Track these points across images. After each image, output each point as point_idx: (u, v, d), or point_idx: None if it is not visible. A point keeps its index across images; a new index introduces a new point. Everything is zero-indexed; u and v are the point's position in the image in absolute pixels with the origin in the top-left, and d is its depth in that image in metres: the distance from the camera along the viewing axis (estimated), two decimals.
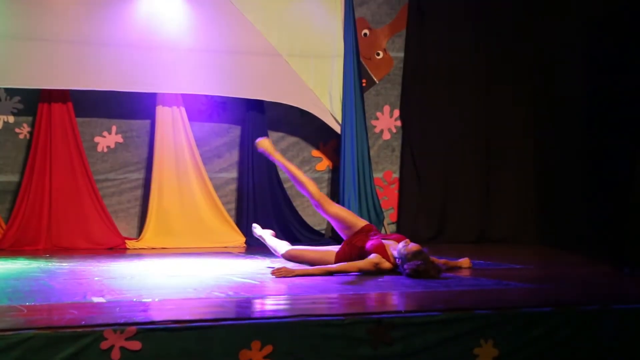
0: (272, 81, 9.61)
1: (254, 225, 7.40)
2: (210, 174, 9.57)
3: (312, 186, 6.74)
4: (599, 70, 9.30)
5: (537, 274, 6.74)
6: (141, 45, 9.12)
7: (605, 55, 9.20)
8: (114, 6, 9.04)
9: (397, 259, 6.03)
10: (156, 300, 4.71)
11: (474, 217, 10.23)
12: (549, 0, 9.92)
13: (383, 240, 6.29)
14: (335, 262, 6.39)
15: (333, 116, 9.80)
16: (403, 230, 9.79)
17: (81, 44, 8.91)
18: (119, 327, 3.76)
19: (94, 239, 8.97)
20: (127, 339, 3.74)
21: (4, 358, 3.58)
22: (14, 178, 9.06)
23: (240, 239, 9.43)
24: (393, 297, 5.14)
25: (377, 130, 10.29)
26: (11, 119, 9.06)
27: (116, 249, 8.91)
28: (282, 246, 7.01)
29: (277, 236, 9.51)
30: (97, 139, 9.37)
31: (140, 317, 3.96)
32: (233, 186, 9.81)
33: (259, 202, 9.56)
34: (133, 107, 9.45)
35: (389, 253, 6.15)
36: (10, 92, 9.02)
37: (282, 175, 9.81)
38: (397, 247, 6.07)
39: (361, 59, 10.02)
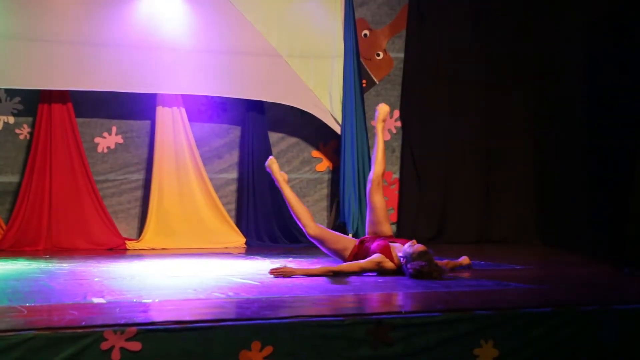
0: (272, 82, 9.61)
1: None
2: (210, 174, 9.57)
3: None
4: (599, 71, 9.30)
5: (537, 274, 6.74)
6: (141, 46, 9.12)
7: (605, 56, 9.21)
8: (114, 7, 9.04)
9: (401, 259, 6.03)
10: (156, 301, 4.71)
11: (474, 218, 10.23)
12: (549, 0, 9.92)
13: (390, 242, 6.30)
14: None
15: (333, 117, 9.80)
16: (403, 230, 9.80)
17: (81, 45, 8.91)
18: (119, 327, 3.76)
19: (94, 240, 8.96)
20: (127, 340, 3.74)
21: (4, 359, 3.58)
22: (14, 179, 9.06)
23: (240, 240, 9.43)
24: (393, 297, 5.15)
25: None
26: (11, 119, 9.06)
27: (116, 250, 8.91)
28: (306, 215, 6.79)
29: (276, 236, 9.59)
30: (97, 139, 9.37)
31: (140, 318, 3.97)
32: (233, 187, 9.81)
33: (259, 203, 9.56)
34: (133, 108, 9.45)
35: (394, 254, 6.15)
36: (11, 92, 9.02)
37: None
38: (403, 248, 6.07)
39: (361, 60, 10.02)
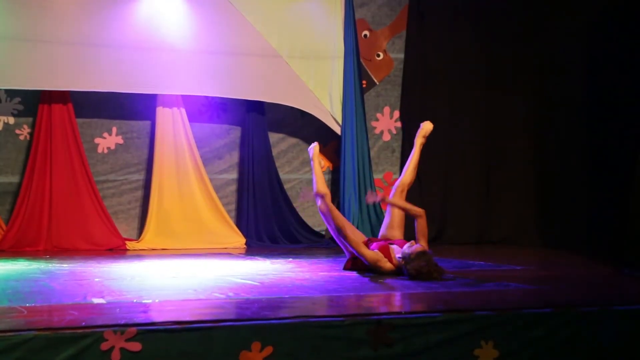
0: (273, 82, 9.61)
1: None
2: (210, 175, 9.57)
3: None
4: (599, 71, 9.30)
5: (537, 274, 6.74)
6: (141, 47, 9.12)
7: (606, 56, 9.21)
8: (115, 7, 9.04)
9: (400, 260, 6.03)
10: (156, 301, 4.71)
11: (474, 218, 10.22)
12: (549, 0, 9.92)
13: (389, 244, 6.32)
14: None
15: (333, 117, 9.81)
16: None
17: (81, 46, 8.91)
18: (119, 328, 3.76)
19: (94, 240, 8.96)
20: (127, 340, 3.74)
21: (4, 359, 3.58)
22: (14, 179, 9.06)
23: (240, 240, 9.43)
24: (393, 298, 5.15)
25: (377, 131, 10.29)
26: (11, 120, 9.06)
27: (116, 250, 8.91)
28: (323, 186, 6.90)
29: (276, 237, 9.59)
30: (97, 140, 9.37)
31: (140, 318, 3.97)
32: (233, 187, 9.81)
33: (259, 203, 9.56)
34: (133, 108, 9.45)
35: (392, 255, 6.16)
36: (11, 93, 9.02)
37: (282, 176, 9.81)
38: (402, 249, 6.07)
39: (361, 60, 10.02)
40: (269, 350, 3.93)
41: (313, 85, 9.75)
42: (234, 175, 9.80)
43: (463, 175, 10.28)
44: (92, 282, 5.76)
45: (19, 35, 8.73)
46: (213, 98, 9.68)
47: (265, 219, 9.57)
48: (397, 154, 10.34)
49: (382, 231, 6.66)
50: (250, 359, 3.90)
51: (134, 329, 3.77)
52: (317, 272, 6.55)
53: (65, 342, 3.67)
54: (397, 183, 6.84)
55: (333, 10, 9.83)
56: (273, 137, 9.87)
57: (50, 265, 7.10)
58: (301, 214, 9.81)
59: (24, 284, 5.64)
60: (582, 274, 6.72)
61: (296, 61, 9.68)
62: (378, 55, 10.31)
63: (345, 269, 6.52)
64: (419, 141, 7.02)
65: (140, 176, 9.51)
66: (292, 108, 9.80)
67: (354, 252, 6.30)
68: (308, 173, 9.99)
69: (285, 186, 9.83)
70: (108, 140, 9.40)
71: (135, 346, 3.75)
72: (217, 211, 9.46)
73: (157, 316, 4.17)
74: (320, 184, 6.86)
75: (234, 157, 9.80)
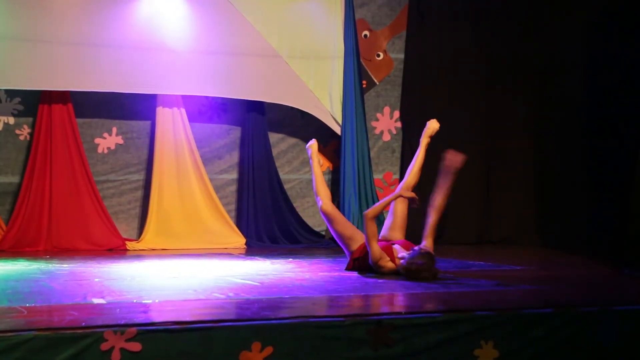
0: (273, 82, 9.61)
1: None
2: (210, 175, 9.57)
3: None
4: (599, 71, 9.30)
5: (537, 275, 6.74)
6: (142, 47, 9.12)
7: (606, 55, 9.21)
8: (115, 8, 9.04)
9: (402, 261, 6.01)
10: (156, 301, 4.71)
11: (474, 218, 10.22)
12: (549, 0, 9.92)
13: (392, 244, 6.32)
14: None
15: (333, 117, 9.81)
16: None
17: (81, 46, 8.92)
18: (119, 328, 3.76)
19: (94, 240, 8.96)
20: (127, 340, 3.74)
21: (4, 359, 3.58)
22: (15, 179, 9.06)
23: (240, 240, 9.43)
24: (393, 298, 5.15)
25: (377, 131, 10.29)
26: (11, 120, 9.06)
27: (116, 250, 8.91)
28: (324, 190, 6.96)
29: (276, 237, 9.59)
30: (97, 140, 9.37)
31: (140, 319, 3.97)
32: (233, 187, 9.81)
33: (259, 204, 9.57)
34: (133, 109, 9.45)
35: (395, 254, 6.15)
36: (11, 93, 9.02)
37: (282, 176, 9.81)
38: (412, 249, 6.08)
39: (361, 60, 10.02)
40: (269, 350, 3.93)
41: (313, 86, 9.75)
42: (234, 175, 9.80)
43: (463, 175, 10.23)
44: (92, 282, 5.76)
45: (19, 35, 8.73)
46: (213, 98, 9.68)
47: (265, 219, 9.57)
48: (397, 154, 10.35)
49: (383, 232, 6.66)
50: (250, 359, 3.90)
51: (134, 329, 3.77)
52: (317, 272, 6.55)
53: (65, 342, 3.67)
54: (401, 184, 6.82)
55: (333, 10, 9.83)
56: (273, 137, 9.87)
57: (50, 265, 7.10)
58: (301, 214, 9.81)
59: (23, 284, 5.64)
60: (582, 274, 6.72)
61: (296, 61, 9.68)
62: (378, 55, 10.31)
63: (347, 269, 6.52)
64: (424, 141, 7.00)
65: (140, 176, 9.51)
66: (292, 108, 9.81)
67: (366, 243, 6.24)
68: (308, 173, 9.98)
69: (285, 186, 9.83)
70: (108, 140, 9.40)
71: (135, 346, 3.75)
72: (217, 211, 9.46)
73: (157, 316, 4.17)
74: (321, 185, 6.87)
75: (234, 157, 9.80)
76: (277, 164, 9.82)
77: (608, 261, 7.36)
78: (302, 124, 10.00)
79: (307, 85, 9.71)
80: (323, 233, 9.78)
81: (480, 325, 4.27)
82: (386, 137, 10.33)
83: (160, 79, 9.20)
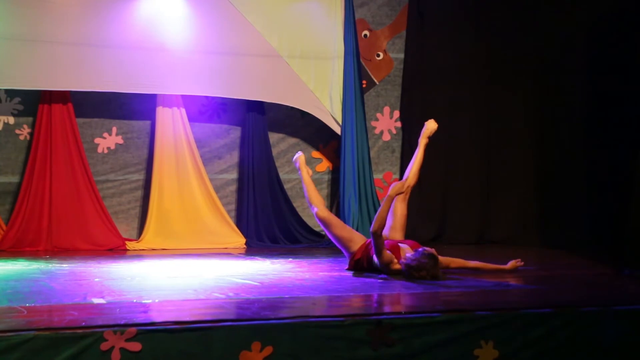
0: (273, 82, 9.61)
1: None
2: (210, 175, 9.57)
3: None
4: (600, 71, 9.30)
5: (538, 275, 6.74)
6: (142, 47, 9.12)
7: (606, 56, 9.21)
8: (115, 8, 9.03)
9: (406, 259, 6.02)
10: (156, 301, 4.71)
11: (474, 218, 10.21)
12: (549, 0, 9.92)
13: (399, 243, 6.33)
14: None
15: (333, 117, 9.80)
16: None
17: (82, 46, 8.91)
18: (119, 328, 3.76)
19: (94, 240, 8.96)
20: (127, 340, 3.74)
21: (4, 359, 3.58)
22: (14, 179, 9.06)
23: (240, 240, 9.42)
24: (393, 298, 5.15)
25: (377, 131, 10.29)
26: (11, 120, 9.06)
27: (116, 250, 8.90)
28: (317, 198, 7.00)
29: (276, 237, 9.58)
30: (97, 140, 9.37)
31: (140, 318, 3.97)
32: (233, 187, 9.81)
33: (259, 204, 9.56)
34: (133, 108, 9.44)
35: (403, 254, 6.15)
36: (11, 93, 9.01)
37: (282, 176, 9.81)
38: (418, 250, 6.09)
39: (361, 60, 10.01)
40: (268, 350, 3.93)
41: (313, 86, 9.74)
42: (234, 175, 9.80)
43: (463, 175, 10.28)
44: (92, 282, 5.76)
45: (19, 35, 8.73)
46: (213, 98, 9.68)
47: (265, 219, 9.57)
48: (397, 154, 10.34)
49: (385, 232, 6.65)
50: (250, 358, 3.90)
51: (133, 329, 3.77)
52: (317, 272, 6.55)
53: (65, 342, 3.67)
54: (393, 184, 6.79)
55: (333, 10, 9.83)
56: (273, 137, 9.87)
57: (50, 265, 7.10)
58: (301, 214, 9.81)
59: (23, 284, 5.64)
60: (582, 274, 6.72)
61: (296, 61, 9.68)
62: (378, 55, 10.31)
63: (349, 269, 6.51)
64: (423, 141, 7.01)
65: (140, 176, 9.51)
66: (292, 108, 9.80)
67: (373, 255, 6.24)
68: None
69: (285, 186, 9.82)
70: (108, 140, 9.40)
71: (135, 346, 3.75)
72: (217, 211, 9.45)
73: (157, 316, 4.17)
74: (313, 193, 6.92)
75: (234, 157, 9.80)
76: (277, 163, 9.82)
77: (608, 261, 7.36)
78: (302, 124, 10.00)
79: (307, 85, 9.71)
80: (323, 233, 9.77)
81: (480, 325, 4.27)
82: (386, 137, 10.33)
83: (160, 79, 9.19)
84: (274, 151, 9.82)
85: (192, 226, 9.31)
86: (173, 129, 9.39)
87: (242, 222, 9.55)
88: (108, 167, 9.38)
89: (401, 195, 6.73)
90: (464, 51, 10.25)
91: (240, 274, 6.29)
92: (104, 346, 3.71)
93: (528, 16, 10.10)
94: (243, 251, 8.99)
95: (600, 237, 8.90)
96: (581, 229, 9.32)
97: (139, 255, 8.43)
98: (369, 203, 9.67)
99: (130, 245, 9.08)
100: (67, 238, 8.88)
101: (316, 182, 10.06)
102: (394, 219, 6.69)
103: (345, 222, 9.51)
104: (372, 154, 10.02)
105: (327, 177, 10.13)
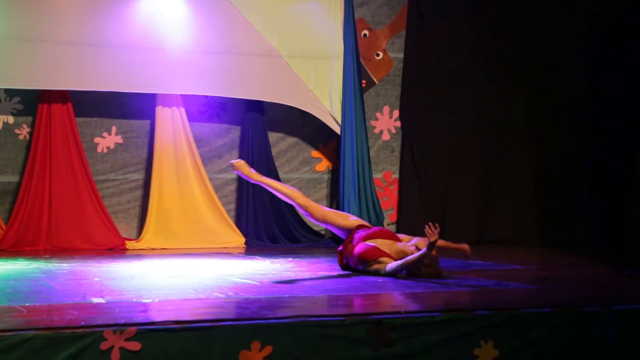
0: (272, 82, 9.61)
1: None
2: (210, 174, 9.57)
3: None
4: (599, 71, 9.30)
5: (537, 274, 6.74)
6: (141, 46, 9.12)
7: (606, 56, 9.20)
8: (114, 7, 9.03)
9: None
10: (156, 300, 4.71)
11: (474, 218, 10.22)
12: (549, 1, 9.92)
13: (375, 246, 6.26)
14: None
15: (333, 117, 9.80)
16: (403, 230, 9.76)
17: (81, 45, 8.91)
18: (119, 327, 3.76)
19: (93, 240, 8.96)
20: (126, 340, 3.74)
21: (4, 359, 3.58)
22: (14, 179, 9.06)
23: (240, 240, 9.42)
24: (393, 297, 5.14)
25: (376, 130, 10.29)
26: (11, 119, 9.05)
27: (116, 250, 8.90)
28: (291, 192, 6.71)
29: (276, 236, 9.58)
30: (97, 139, 9.37)
31: (140, 318, 3.97)
32: (233, 187, 9.81)
33: (259, 203, 9.56)
34: (133, 108, 9.44)
35: (394, 250, 6.14)
36: (10, 92, 9.01)
37: (282, 175, 9.81)
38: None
39: (361, 60, 10.01)
40: (268, 349, 3.93)
41: (313, 85, 9.74)
42: (233, 174, 9.79)
43: (463, 175, 10.28)
44: (92, 282, 5.76)
45: (19, 34, 8.73)
46: (213, 98, 9.67)
47: (265, 219, 9.57)
48: (397, 154, 10.34)
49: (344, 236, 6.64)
50: (250, 358, 3.90)
51: (133, 328, 3.77)
52: (317, 272, 6.54)
53: (65, 341, 3.67)
54: (301, 212, 6.67)
55: (333, 10, 9.83)
56: (272, 136, 9.87)
57: (49, 264, 7.10)
58: (300, 214, 9.80)
59: (23, 284, 5.64)
60: (582, 274, 6.71)
61: (296, 61, 9.68)
62: (378, 55, 10.31)
63: (341, 266, 6.48)
64: (253, 177, 6.56)
65: (140, 176, 9.51)
66: (291, 107, 9.80)
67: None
68: (308, 172, 9.99)
69: None
70: (107, 139, 9.39)
71: (135, 346, 3.75)
72: (216, 211, 9.45)
73: (157, 316, 4.17)
74: (284, 190, 6.64)
75: (234, 156, 9.79)
76: (277, 163, 9.82)
77: (608, 261, 7.36)
78: (301, 124, 10.00)
79: (306, 85, 9.71)
80: (323, 232, 9.78)
81: (480, 324, 4.27)
82: (386, 137, 10.33)
83: (160, 79, 9.19)
84: (274, 151, 9.82)
85: (192, 226, 9.31)
86: (173, 129, 9.39)
87: (241, 221, 9.55)
88: (108, 166, 9.38)
89: (312, 207, 6.56)
90: (463, 51, 10.26)
91: (240, 274, 6.29)
92: (104, 346, 3.71)
93: (528, 16, 10.11)
94: (243, 251, 8.99)
95: (600, 237, 8.90)
96: (581, 228, 9.33)
97: (138, 254, 8.43)
98: (369, 202, 9.67)
99: (129, 244, 9.08)
100: (67, 237, 8.89)
101: (316, 182, 10.07)
102: (333, 227, 6.59)
103: None
104: (371, 153, 10.02)
105: (326, 177, 10.13)
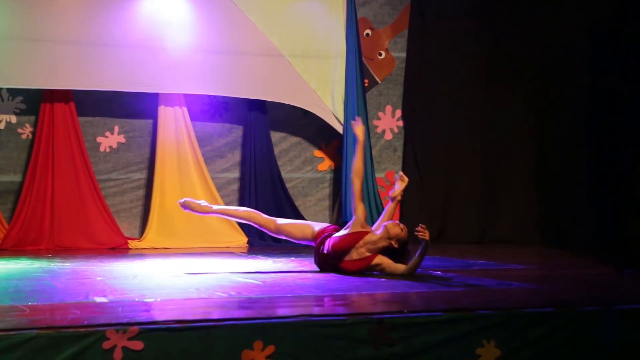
0: (275, 81, 9.62)
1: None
2: (212, 174, 9.58)
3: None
4: (600, 71, 9.30)
5: (539, 274, 6.74)
6: (144, 46, 9.13)
7: (606, 56, 9.21)
8: (117, 7, 9.05)
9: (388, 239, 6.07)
10: (158, 300, 4.72)
11: (475, 218, 10.23)
12: (550, 1, 9.92)
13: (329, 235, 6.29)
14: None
15: (335, 116, 9.81)
16: None
17: (84, 45, 8.93)
18: (121, 327, 3.77)
19: (96, 239, 8.98)
20: (129, 339, 3.75)
21: (6, 358, 3.58)
22: (17, 178, 9.07)
23: (242, 239, 9.43)
24: (394, 297, 5.15)
25: (379, 130, 10.29)
26: (13, 119, 9.07)
27: (118, 249, 8.92)
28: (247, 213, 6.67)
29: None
30: (99, 139, 9.38)
31: (142, 317, 3.97)
32: (235, 186, 9.82)
33: (261, 202, 9.56)
34: (135, 107, 9.46)
35: (361, 241, 6.16)
36: (13, 92, 9.03)
37: (284, 175, 9.82)
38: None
39: (363, 59, 10.02)
40: (270, 349, 3.93)
41: (315, 84, 9.75)
42: (236, 174, 9.81)
43: (464, 174, 10.29)
44: (94, 281, 5.77)
45: (21, 34, 8.74)
46: (215, 97, 9.69)
47: None
48: (399, 153, 10.35)
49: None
50: (252, 357, 3.91)
51: (136, 327, 3.78)
52: (319, 272, 6.54)
53: (67, 341, 3.67)
54: (269, 233, 6.65)
55: (335, 9, 9.84)
56: (275, 136, 9.88)
57: (52, 264, 7.10)
58: (303, 213, 9.82)
59: (26, 283, 5.64)
60: (583, 274, 6.72)
61: (298, 60, 9.69)
62: (380, 54, 10.32)
63: (319, 267, 6.49)
64: (205, 210, 6.48)
65: (142, 175, 9.52)
66: (294, 107, 9.81)
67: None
68: (310, 172, 10.00)
69: (287, 185, 9.83)
70: (110, 139, 9.41)
71: (137, 345, 3.76)
72: None
73: (159, 315, 4.17)
74: (244, 215, 6.57)
75: (236, 156, 9.81)
76: (279, 162, 9.83)
77: (608, 261, 7.36)
78: (303, 123, 10.01)
79: (309, 84, 9.72)
80: None
81: (482, 324, 4.27)
82: (388, 136, 10.33)
83: (162, 78, 9.21)
84: (276, 150, 9.83)
85: (194, 225, 9.32)
86: (175, 128, 9.40)
87: None
88: (110, 166, 9.39)
89: (273, 225, 6.56)
90: (465, 50, 10.27)
91: (242, 273, 6.29)
92: (106, 345, 3.71)
93: (529, 16, 10.11)
94: (245, 250, 9.00)
95: (601, 237, 8.90)
96: (582, 228, 9.33)
97: (141, 254, 8.44)
98: (371, 202, 9.68)
99: (132, 244, 9.10)
100: (69, 237, 8.90)
101: (318, 181, 10.08)
102: (295, 238, 6.59)
103: (347, 221, 9.52)
104: (374, 153, 10.02)
105: (329, 176, 10.14)
